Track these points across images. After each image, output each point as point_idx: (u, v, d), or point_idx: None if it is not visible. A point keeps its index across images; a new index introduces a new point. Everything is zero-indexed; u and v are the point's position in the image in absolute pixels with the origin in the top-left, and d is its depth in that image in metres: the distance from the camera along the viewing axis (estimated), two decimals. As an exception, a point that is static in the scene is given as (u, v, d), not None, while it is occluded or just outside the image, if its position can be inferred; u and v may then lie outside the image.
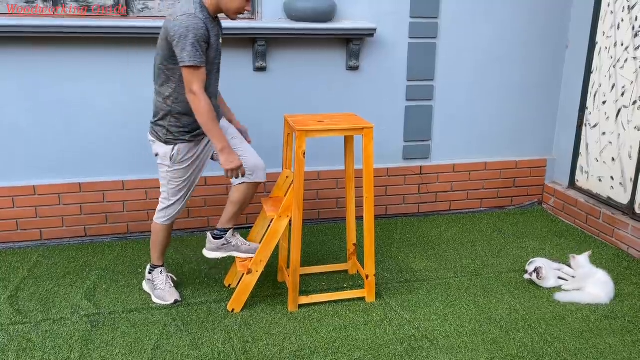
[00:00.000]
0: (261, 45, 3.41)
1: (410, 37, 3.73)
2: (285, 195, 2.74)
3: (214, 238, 2.81)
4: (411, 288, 3.02)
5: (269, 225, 2.78)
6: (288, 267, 2.92)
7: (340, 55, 3.64)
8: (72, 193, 3.46)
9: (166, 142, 2.61)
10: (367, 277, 2.85)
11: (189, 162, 2.66)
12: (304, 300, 2.81)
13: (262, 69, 3.52)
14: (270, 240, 2.70)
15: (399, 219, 4.01)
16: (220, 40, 2.64)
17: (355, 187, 3.01)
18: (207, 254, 2.84)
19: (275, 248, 2.78)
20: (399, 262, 3.32)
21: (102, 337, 2.54)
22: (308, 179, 3.69)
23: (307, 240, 3.58)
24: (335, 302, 2.85)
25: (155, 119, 2.64)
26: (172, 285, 2.89)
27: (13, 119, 3.30)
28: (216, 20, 2.59)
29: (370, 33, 3.53)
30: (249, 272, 2.72)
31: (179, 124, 2.59)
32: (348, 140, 2.91)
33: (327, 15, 3.44)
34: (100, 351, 2.44)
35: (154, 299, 2.84)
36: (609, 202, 3.68)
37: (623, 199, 3.56)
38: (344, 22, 3.53)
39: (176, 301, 2.82)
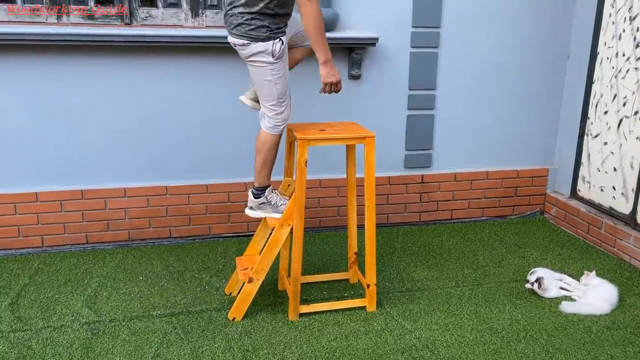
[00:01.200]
0: (264, 53, 3.42)
1: (412, 47, 3.74)
2: (286, 204, 2.75)
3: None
4: (412, 297, 3.01)
5: (270, 234, 2.78)
6: (289, 275, 2.92)
7: (343, 64, 3.66)
8: (74, 200, 3.47)
9: (267, 39, 2.55)
10: (368, 286, 2.85)
11: (286, 57, 2.65)
12: (305, 309, 2.80)
13: (264, 78, 3.53)
14: (271, 248, 2.70)
15: (400, 227, 4.01)
16: None
17: (357, 196, 3.01)
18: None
19: (276, 256, 2.78)
20: (400, 271, 3.31)
21: (102, 344, 2.53)
22: (309, 187, 3.69)
23: (308, 248, 3.58)
24: (336, 311, 2.84)
25: (248, 19, 2.55)
26: (286, 198, 2.83)
27: (16, 126, 3.31)
28: None
29: (372, 42, 3.55)
30: (250, 280, 2.71)
31: (276, 22, 2.56)
32: (350, 149, 2.91)
33: (330, 24, 3.45)
34: (101, 359, 2.43)
35: (275, 216, 2.78)
36: (610, 212, 3.68)
37: (625, 209, 3.56)
38: (347, 32, 3.55)
39: None
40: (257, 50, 2.57)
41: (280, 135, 2.74)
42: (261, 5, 2.52)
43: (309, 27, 2.51)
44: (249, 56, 2.62)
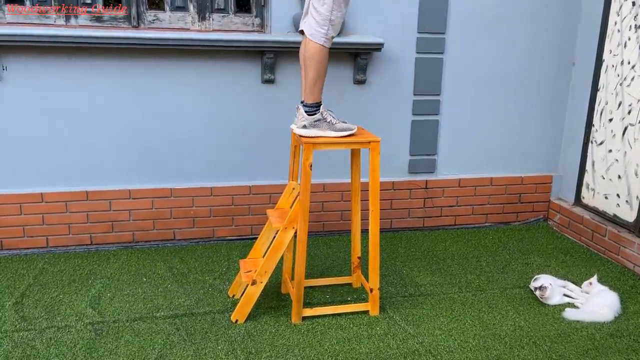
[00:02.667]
0: (269, 57, 3.44)
1: (418, 52, 3.75)
2: (291, 207, 2.75)
3: (309, 114, 2.64)
4: (415, 302, 3.01)
5: (274, 237, 2.79)
6: (292, 278, 2.92)
7: (348, 69, 3.67)
8: (79, 201, 3.48)
9: None
10: (371, 290, 2.85)
11: None
12: (308, 312, 2.80)
13: (270, 82, 3.55)
14: (275, 251, 2.71)
15: (404, 232, 4.01)
16: None
17: (361, 200, 3.02)
18: (299, 131, 2.67)
19: (280, 259, 2.78)
20: (403, 276, 3.31)
21: (105, 345, 2.54)
22: (314, 191, 3.70)
23: (312, 252, 3.58)
24: (339, 315, 2.84)
25: None
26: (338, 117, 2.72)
27: (22, 127, 3.33)
28: None
29: (377, 47, 3.56)
30: (253, 283, 2.72)
31: None
32: (354, 154, 2.92)
33: (336, 29, 3.47)
34: (104, 359, 2.44)
35: (336, 133, 2.66)
36: (614, 220, 3.67)
37: (629, 216, 3.55)
38: (352, 37, 3.56)
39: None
40: None
41: (328, 48, 2.60)
42: None
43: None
44: None
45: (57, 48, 3.24)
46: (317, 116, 2.64)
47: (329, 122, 2.66)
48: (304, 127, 2.66)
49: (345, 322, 2.78)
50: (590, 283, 3.09)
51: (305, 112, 2.65)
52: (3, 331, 2.62)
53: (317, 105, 2.66)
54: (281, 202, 2.95)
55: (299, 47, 3.44)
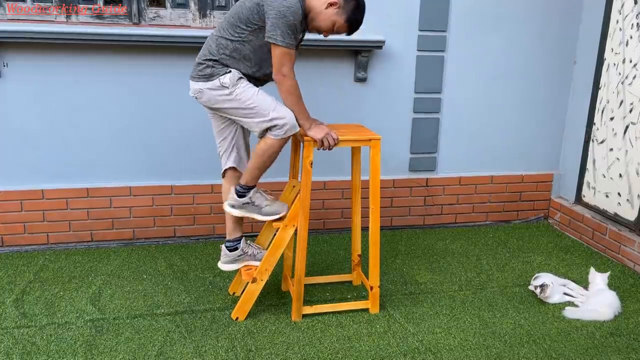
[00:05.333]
0: (270, 55, 3.43)
1: (419, 50, 3.75)
2: (291, 205, 2.75)
3: (229, 250, 2.80)
4: (415, 300, 3.01)
5: (275, 234, 2.79)
6: (292, 276, 2.92)
7: (349, 67, 3.67)
8: (80, 198, 3.49)
9: (210, 76, 2.52)
10: (371, 288, 2.85)
11: (246, 83, 2.54)
12: (308, 310, 2.81)
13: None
14: (275, 249, 2.71)
15: (404, 230, 4.01)
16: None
17: (361, 198, 3.02)
18: (224, 267, 2.81)
19: (280, 257, 2.78)
20: (403, 274, 3.31)
21: (106, 342, 2.54)
22: (314, 188, 3.70)
23: (312, 250, 3.59)
24: (339, 312, 2.85)
25: (202, 59, 2.55)
26: (271, 197, 2.74)
27: (23, 124, 3.33)
28: (305, 21, 2.51)
29: (378, 45, 3.56)
30: (254, 280, 2.72)
31: (224, 68, 2.53)
32: (355, 151, 2.92)
33: (337, 26, 3.46)
34: (104, 356, 2.44)
35: (263, 217, 2.70)
36: (615, 219, 3.67)
37: (630, 215, 3.55)
38: (353, 34, 3.55)
39: (287, 212, 2.69)
40: (209, 88, 2.54)
41: (286, 141, 2.62)
42: (230, 48, 2.53)
43: (288, 101, 2.51)
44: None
45: (58, 45, 3.24)
46: (246, 199, 2.69)
47: (257, 205, 2.70)
48: (232, 206, 2.70)
49: (346, 320, 2.79)
50: (594, 273, 3.07)
51: (236, 191, 2.70)
52: (3, 327, 2.62)
53: (249, 188, 2.70)
54: (282, 200, 2.94)
55: (300, 45, 3.44)
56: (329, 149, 2.60)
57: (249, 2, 2.49)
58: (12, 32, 3.09)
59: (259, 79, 2.64)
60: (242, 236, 2.82)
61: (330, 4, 2.50)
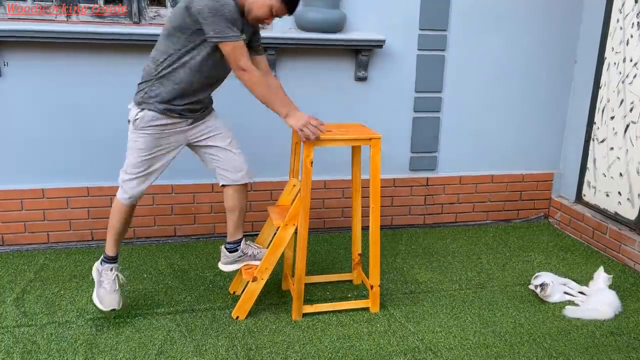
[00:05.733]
0: (271, 54, 3.44)
1: (419, 49, 3.75)
2: (291, 204, 2.75)
3: (229, 251, 2.80)
4: (415, 299, 3.01)
5: (275, 234, 2.79)
6: (293, 275, 2.92)
7: (349, 66, 3.67)
8: (80, 197, 3.49)
9: (138, 104, 2.49)
10: (371, 287, 2.85)
11: (152, 136, 2.49)
12: (308, 309, 2.81)
13: (271, 78, 3.55)
14: (276, 248, 2.71)
15: (405, 229, 4.01)
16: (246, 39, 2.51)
17: (362, 197, 3.02)
18: (224, 267, 2.81)
19: (280, 256, 2.79)
20: (403, 273, 3.31)
21: (106, 341, 2.55)
22: (314, 188, 3.70)
23: (312, 249, 3.59)
24: (339, 311, 2.85)
25: (139, 82, 2.54)
26: (118, 288, 2.66)
27: (24, 123, 3.33)
28: (243, 18, 2.46)
29: (379, 44, 3.56)
30: (254, 279, 2.72)
31: (158, 92, 2.47)
32: (355, 150, 2.92)
33: (337, 26, 3.47)
34: (105, 355, 2.44)
35: (93, 296, 2.62)
36: (616, 218, 3.67)
37: (630, 214, 3.55)
38: (354, 33, 3.56)
39: (113, 310, 2.62)
40: (129, 115, 2.54)
41: (127, 206, 2.61)
42: (161, 59, 2.48)
43: (257, 93, 2.46)
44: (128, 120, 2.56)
45: (58, 44, 3.23)
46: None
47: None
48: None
49: (346, 319, 2.79)
50: (600, 272, 3.07)
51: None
52: (4, 326, 2.63)
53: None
54: (282, 199, 2.95)
55: (301, 44, 3.45)
56: (312, 140, 2.51)
57: (177, 9, 2.41)
58: (13, 31, 3.09)
59: (195, 108, 2.55)
60: (242, 237, 2.82)
61: None
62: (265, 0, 2.44)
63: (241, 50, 2.38)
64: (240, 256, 2.80)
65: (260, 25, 2.61)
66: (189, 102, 2.53)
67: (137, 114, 2.49)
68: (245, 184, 2.72)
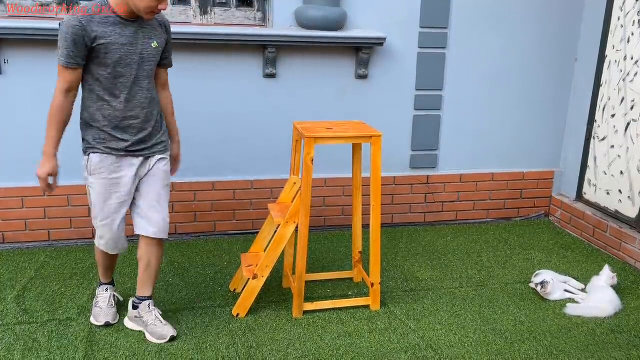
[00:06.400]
0: (271, 52, 3.43)
1: (420, 47, 3.75)
2: (292, 202, 2.75)
3: (133, 307, 2.61)
4: (416, 297, 3.01)
5: (276, 231, 2.79)
6: (293, 273, 2.92)
7: (350, 64, 3.67)
8: (81, 195, 3.49)
9: (84, 152, 2.48)
10: (372, 285, 2.85)
11: (105, 178, 2.43)
12: (309, 306, 2.81)
13: (272, 76, 3.55)
14: (276, 246, 2.71)
15: (405, 227, 4.01)
16: (149, 44, 2.38)
17: (362, 195, 3.02)
18: (125, 322, 2.63)
19: (281, 254, 2.79)
20: (404, 271, 3.32)
21: (106, 338, 2.55)
22: (315, 185, 3.70)
23: (313, 247, 3.59)
24: (340, 309, 2.85)
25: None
26: (113, 305, 2.67)
27: (24, 121, 3.33)
28: (135, 21, 2.32)
29: (380, 42, 3.55)
30: (255, 277, 2.72)
31: (93, 132, 2.46)
32: (356, 148, 2.92)
33: (338, 24, 3.46)
34: (105, 352, 2.45)
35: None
36: (616, 216, 3.67)
37: (631, 212, 3.55)
38: (354, 31, 3.55)
39: (107, 324, 2.60)
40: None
41: (102, 252, 2.55)
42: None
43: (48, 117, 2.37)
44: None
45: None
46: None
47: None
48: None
49: (346, 317, 2.79)
50: (606, 270, 3.07)
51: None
52: (5, 324, 2.63)
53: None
54: (282, 197, 2.95)
55: (301, 42, 3.45)
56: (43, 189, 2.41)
57: None
58: (13, 28, 3.09)
59: (122, 127, 2.46)
60: (149, 297, 2.59)
61: None
62: None
63: (62, 75, 2.39)
64: (137, 317, 2.58)
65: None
66: (116, 129, 2.51)
67: (86, 160, 2.51)
68: (158, 239, 2.54)
